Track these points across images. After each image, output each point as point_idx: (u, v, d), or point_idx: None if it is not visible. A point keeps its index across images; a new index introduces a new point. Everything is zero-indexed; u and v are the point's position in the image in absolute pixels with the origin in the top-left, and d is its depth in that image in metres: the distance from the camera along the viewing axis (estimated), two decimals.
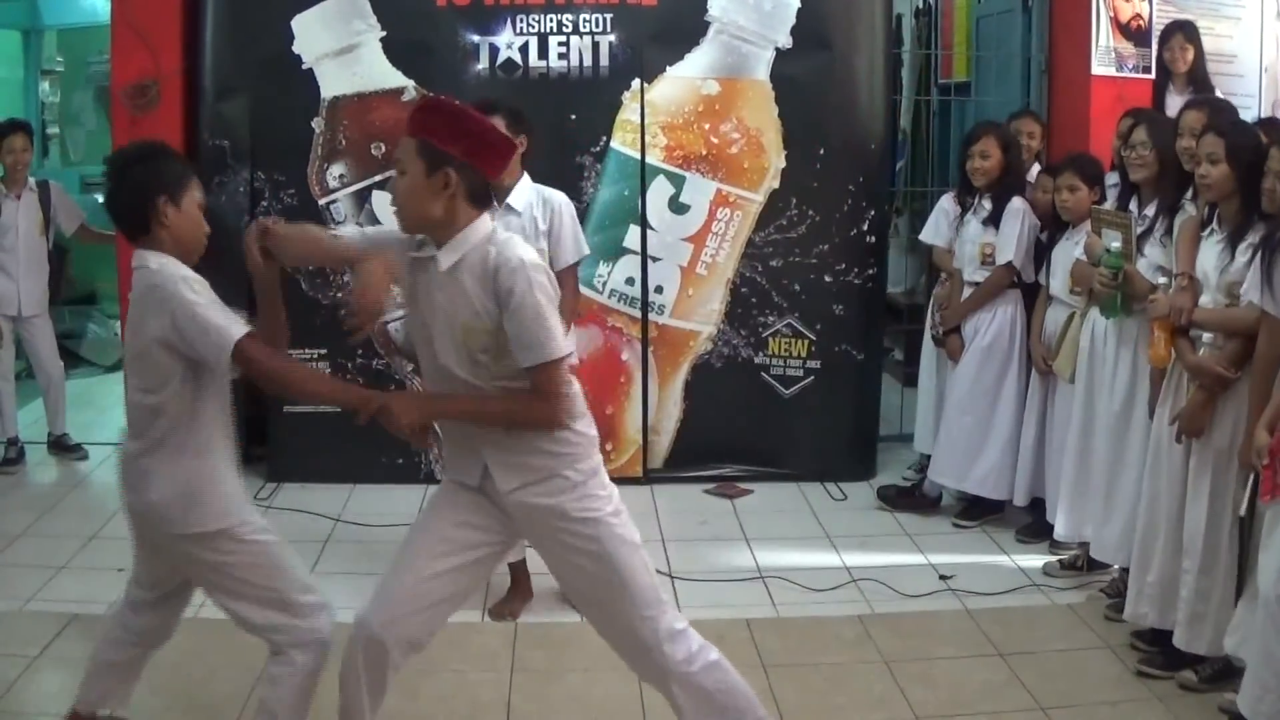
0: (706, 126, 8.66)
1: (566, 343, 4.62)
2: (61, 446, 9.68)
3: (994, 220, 7.79)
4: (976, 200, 7.94)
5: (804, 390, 8.91)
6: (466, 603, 5.06)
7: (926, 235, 8.49)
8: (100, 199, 9.74)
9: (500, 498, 4.76)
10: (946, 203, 8.37)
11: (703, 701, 4.83)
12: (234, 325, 4.67)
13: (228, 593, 4.99)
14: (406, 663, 4.91)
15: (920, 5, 11.93)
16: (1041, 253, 7.69)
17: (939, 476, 8.15)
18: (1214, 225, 5.89)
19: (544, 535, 4.82)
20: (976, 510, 8.09)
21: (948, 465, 8.05)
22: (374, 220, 8.52)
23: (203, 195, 4.92)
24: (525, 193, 6.69)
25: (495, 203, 5.44)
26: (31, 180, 9.38)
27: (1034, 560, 7.45)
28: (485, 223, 4.64)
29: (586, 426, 4.82)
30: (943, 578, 7.27)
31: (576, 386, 4.78)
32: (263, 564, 4.94)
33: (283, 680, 5.01)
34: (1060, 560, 7.33)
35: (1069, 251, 7.23)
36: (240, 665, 6.16)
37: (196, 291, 4.71)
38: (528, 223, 6.59)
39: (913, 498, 8.38)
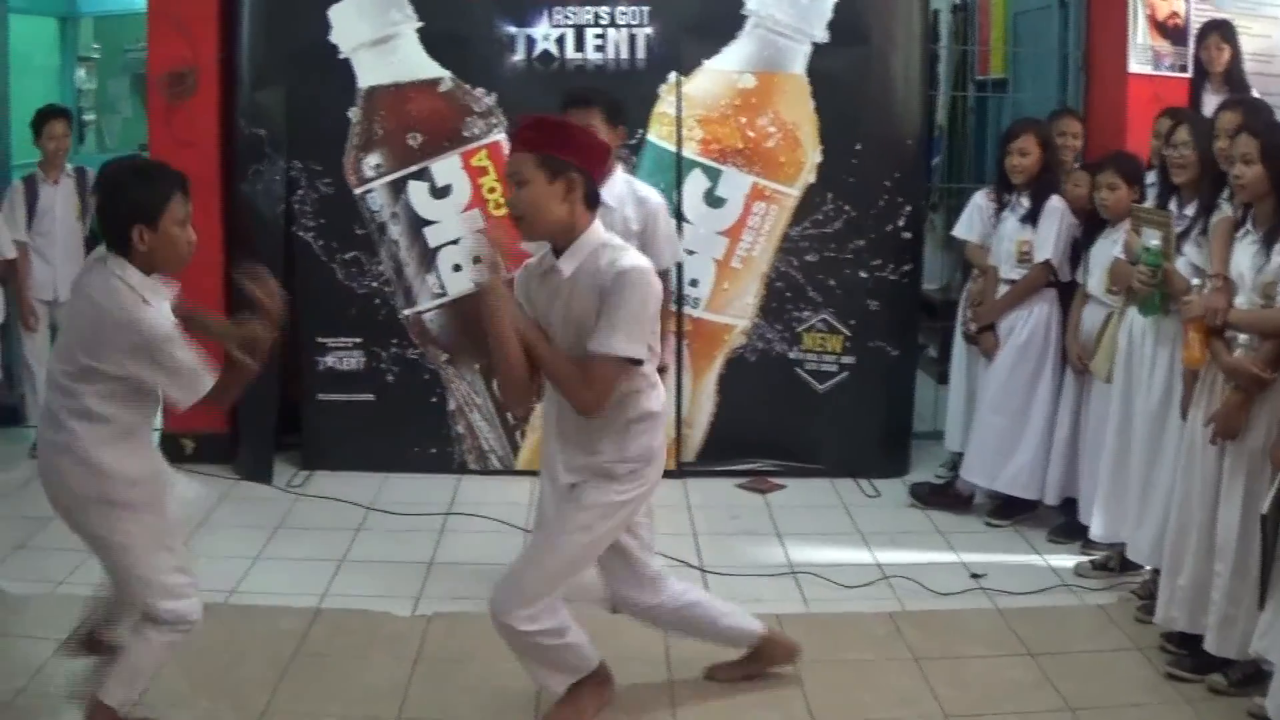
0: (743, 120, 8.65)
1: (640, 350, 4.89)
2: None
3: (1032, 218, 7.76)
4: (1014, 197, 7.91)
5: (838, 386, 8.89)
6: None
7: (960, 231, 8.47)
8: None
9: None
10: (981, 199, 8.35)
11: (521, 649, 5.42)
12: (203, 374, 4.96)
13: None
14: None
15: (957, 1, 11.90)
16: (1078, 251, 7.67)
17: (971, 475, 8.13)
18: (1248, 226, 5.87)
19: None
20: (1009, 509, 8.06)
21: (979, 464, 8.03)
22: (409, 210, 8.54)
23: (186, 209, 5.01)
24: (618, 186, 6.62)
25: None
26: (69, 166, 9.44)
27: (1066, 560, 7.42)
28: (599, 227, 5.06)
29: (658, 451, 5.25)
30: (974, 576, 7.25)
31: (662, 404, 5.23)
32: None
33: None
34: (1092, 561, 7.30)
35: (1107, 250, 7.20)
36: (268, 650, 6.21)
37: (163, 316, 4.92)
38: (618, 220, 6.46)
39: (945, 495, 8.36)
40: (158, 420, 6.05)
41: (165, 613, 5.06)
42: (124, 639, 5.26)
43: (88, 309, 4.88)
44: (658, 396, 5.25)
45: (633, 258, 4.98)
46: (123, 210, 4.91)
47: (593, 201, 5.03)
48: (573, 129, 5.15)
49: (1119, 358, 6.95)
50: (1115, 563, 7.15)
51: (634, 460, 5.16)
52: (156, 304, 4.91)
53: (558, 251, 5.03)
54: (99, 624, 5.62)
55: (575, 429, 5.15)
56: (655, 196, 6.76)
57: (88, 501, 5.01)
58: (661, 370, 5.58)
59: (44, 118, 9.32)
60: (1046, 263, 7.69)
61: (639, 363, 4.98)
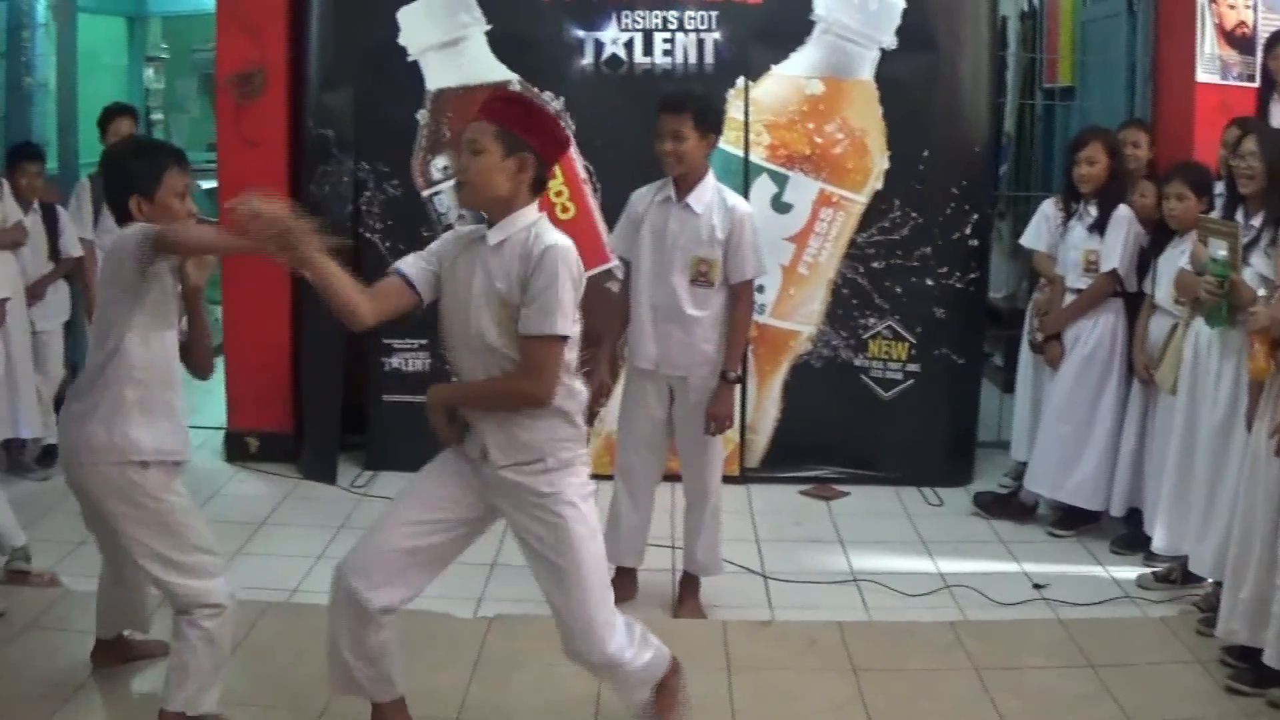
0: (810, 126, 8.63)
1: (571, 327, 4.90)
2: None
3: (1099, 227, 7.71)
4: (1082, 206, 7.87)
5: (903, 393, 8.88)
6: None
7: (1028, 240, 8.43)
8: (203, 185, 9.82)
9: (488, 473, 5.09)
10: (1049, 208, 8.31)
11: (624, 680, 5.31)
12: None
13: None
14: (385, 622, 5.16)
15: (1025, 8, 11.85)
16: (1145, 261, 7.62)
17: (1035, 485, 8.08)
18: None
19: (515, 506, 5.11)
20: (1072, 519, 8.02)
21: (1044, 474, 7.98)
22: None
23: (185, 179, 5.33)
24: (707, 193, 6.60)
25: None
26: None
27: (1128, 572, 7.38)
28: (534, 210, 5.04)
29: (581, 421, 5.15)
30: (1036, 586, 7.23)
31: (582, 387, 5.12)
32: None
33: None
34: (1154, 573, 7.26)
35: (1175, 260, 7.14)
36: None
37: None
38: (704, 227, 6.53)
39: (1008, 506, 8.32)
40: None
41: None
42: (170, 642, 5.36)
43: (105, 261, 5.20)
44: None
45: (559, 236, 4.96)
46: (122, 183, 5.21)
47: (538, 187, 5.05)
48: (542, 114, 5.23)
49: (1184, 369, 6.90)
50: (1177, 575, 7.11)
51: (566, 438, 5.12)
52: None
53: (490, 225, 5.05)
54: (119, 628, 5.92)
55: (500, 421, 5.08)
56: (744, 206, 6.69)
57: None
58: (740, 380, 6.01)
59: (110, 115, 9.39)
60: (1113, 272, 7.65)
61: (569, 338, 4.95)
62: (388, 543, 5.10)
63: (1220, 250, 6.37)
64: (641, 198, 6.76)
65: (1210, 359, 6.64)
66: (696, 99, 6.63)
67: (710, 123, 6.58)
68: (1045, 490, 8.01)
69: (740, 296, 6.64)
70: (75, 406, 5.19)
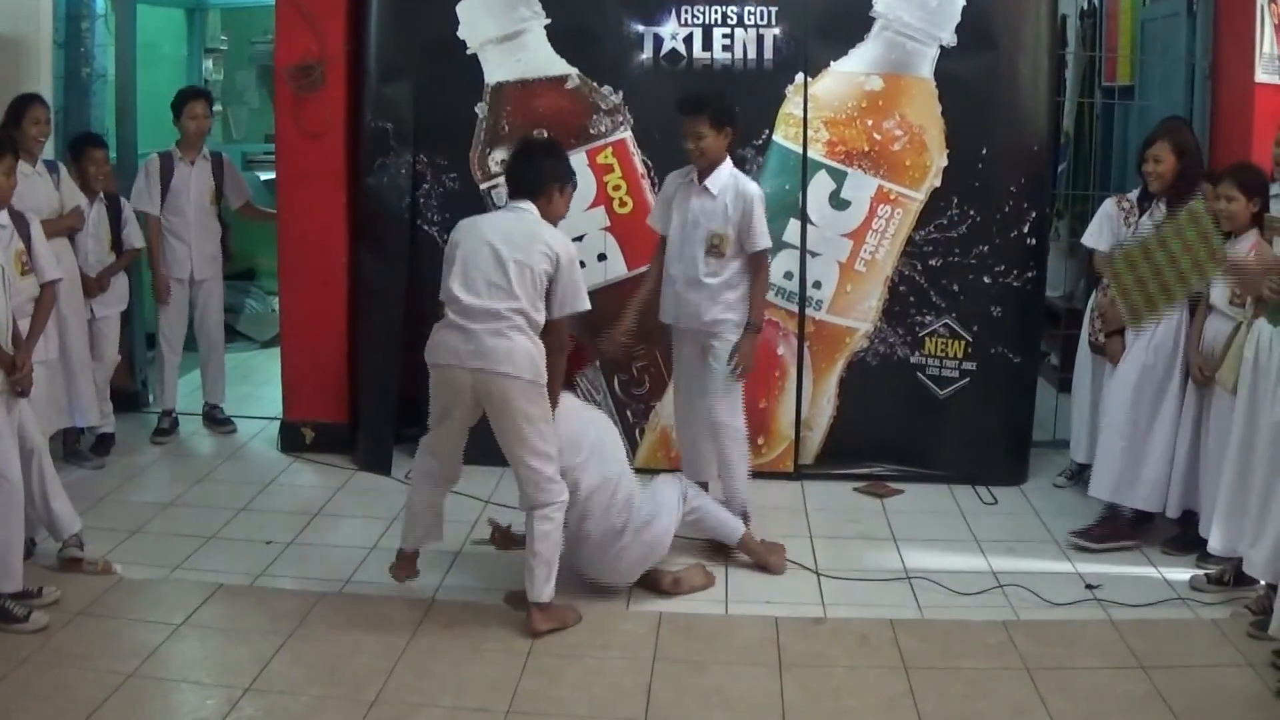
0: (869, 123, 8.61)
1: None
2: (213, 419, 9.83)
3: None
4: (1153, 204, 7.79)
5: (959, 392, 8.83)
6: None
7: (1089, 239, 8.36)
8: (261, 177, 9.86)
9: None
10: (1110, 207, 8.22)
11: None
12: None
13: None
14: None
15: (1085, 6, 11.79)
16: None
17: (1098, 491, 7.98)
18: None
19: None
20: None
21: (1107, 478, 7.89)
22: None
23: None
24: (723, 177, 7.55)
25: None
26: (206, 149, 9.59)
27: (1181, 573, 7.31)
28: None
29: None
30: (1089, 587, 7.16)
31: None
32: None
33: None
34: (1207, 574, 7.20)
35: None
36: (381, 640, 6.28)
37: None
38: (719, 206, 7.50)
39: (1110, 527, 8.14)
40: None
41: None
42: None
43: None
44: None
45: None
46: None
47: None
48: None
49: (1244, 369, 6.83)
50: (1230, 576, 7.05)
51: None
52: None
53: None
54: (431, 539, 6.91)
55: None
56: (754, 188, 7.58)
57: None
58: (760, 329, 7.51)
59: (185, 98, 9.49)
60: None
61: None
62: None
63: None
64: (672, 180, 7.80)
65: (1272, 359, 6.56)
66: (711, 100, 7.52)
67: (725, 119, 7.49)
68: (1107, 495, 7.91)
69: (758, 264, 7.64)
70: (496, 325, 6.25)
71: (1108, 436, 7.84)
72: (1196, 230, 6.50)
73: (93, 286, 8.85)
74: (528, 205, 6.51)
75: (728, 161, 7.55)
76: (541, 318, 6.32)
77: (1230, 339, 7.08)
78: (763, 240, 7.52)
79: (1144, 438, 7.65)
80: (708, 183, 7.48)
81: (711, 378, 7.62)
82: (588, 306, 6.48)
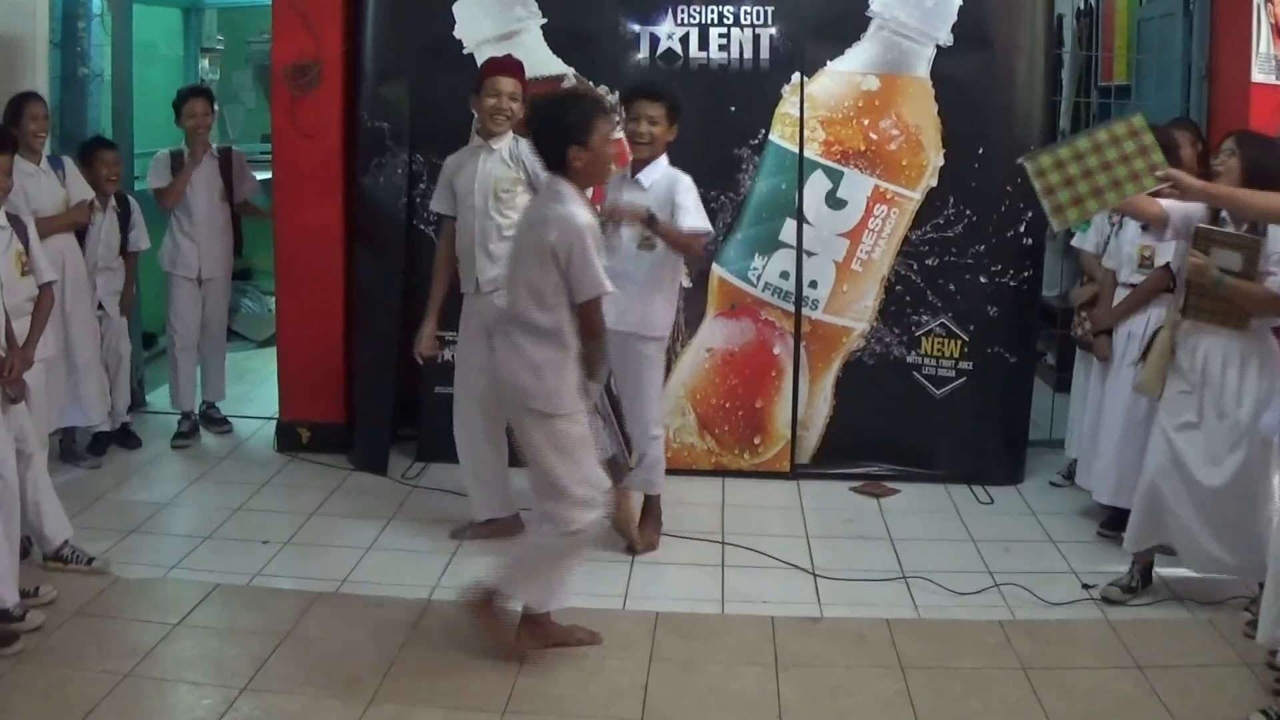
0: (865, 122, 8.61)
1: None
2: (209, 419, 9.83)
3: None
4: None
5: (955, 391, 8.83)
6: None
7: (1077, 240, 8.41)
8: (258, 176, 9.87)
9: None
10: None
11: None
12: None
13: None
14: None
15: (1081, 6, 11.80)
16: None
17: (1097, 494, 7.99)
18: None
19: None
20: (1121, 519, 7.95)
21: (1103, 479, 7.89)
22: None
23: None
24: (659, 172, 7.34)
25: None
26: (214, 147, 9.59)
27: (1177, 572, 7.29)
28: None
29: None
30: (1085, 586, 7.16)
31: None
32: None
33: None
34: (1119, 586, 7.17)
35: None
36: (378, 640, 6.29)
37: None
38: (651, 199, 7.21)
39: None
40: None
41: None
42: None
43: None
44: None
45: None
46: None
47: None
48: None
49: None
50: (1137, 581, 7.04)
51: None
52: None
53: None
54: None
55: None
56: (686, 177, 7.30)
57: None
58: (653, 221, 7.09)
59: (184, 96, 9.50)
60: (1166, 267, 7.57)
61: None
62: None
63: (1233, 263, 6.35)
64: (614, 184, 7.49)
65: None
66: (669, 91, 7.42)
67: (677, 114, 7.36)
68: (1105, 497, 7.90)
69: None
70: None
71: (1107, 440, 7.85)
72: (1136, 144, 6.44)
73: (127, 307, 9.19)
74: (558, 182, 6.02)
75: (664, 157, 7.35)
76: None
77: (1150, 341, 7.02)
78: (689, 219, 7.15)
79: (1142, 438, 7.64)
80: (640, 176, 7.33)
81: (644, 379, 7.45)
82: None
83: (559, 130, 5.92)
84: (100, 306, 8.94)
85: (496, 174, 7.39)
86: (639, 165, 7.35)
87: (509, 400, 6.12)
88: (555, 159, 5.95)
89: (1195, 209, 6.52)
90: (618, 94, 8.49)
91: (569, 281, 5.82)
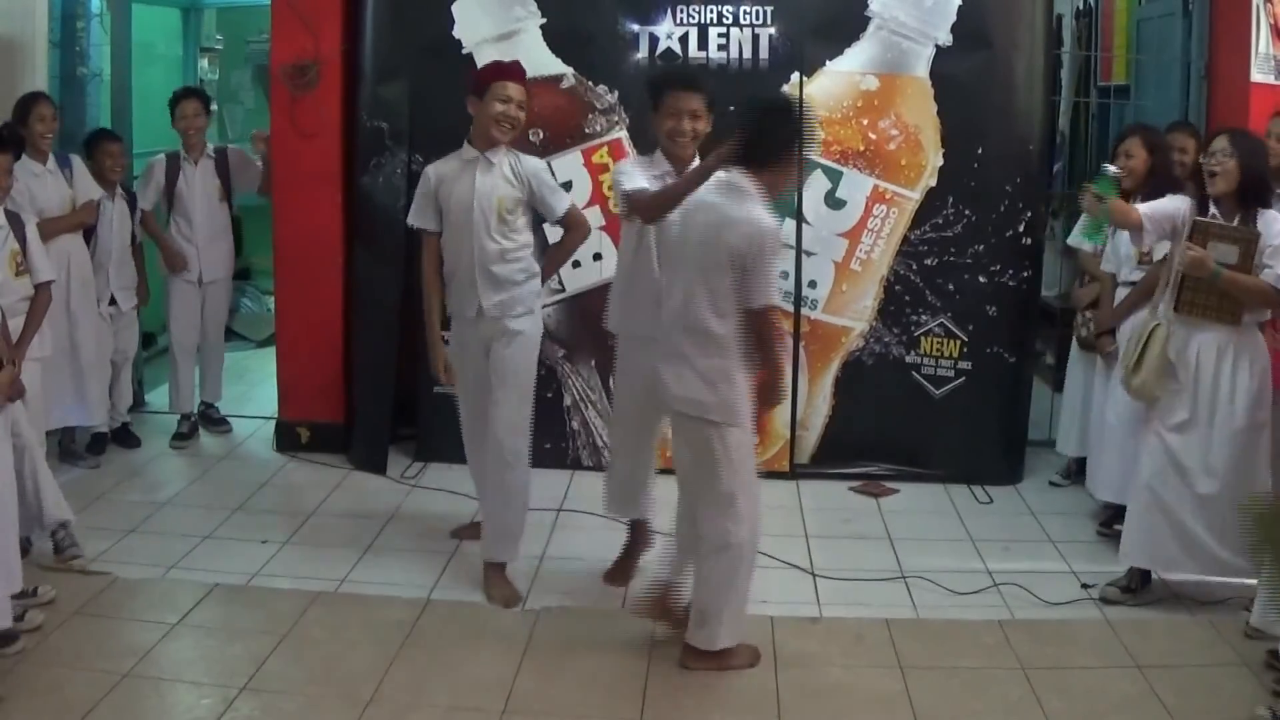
0: (865, 122, 8.62)
1: None
2: (208, 419, 9.82)
3: None
4: (1133, 200, 7.80)
5: (954, 391, 8.84)
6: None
7: (1074, 239, 8.41)
8: None
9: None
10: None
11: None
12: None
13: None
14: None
15: (1081, 6, 11.79)
16: None
17: (1100, 492, 7.97)
18: None
19: None
20: (1122, 514, 7.94)
21: (1107, 479, 7.88)
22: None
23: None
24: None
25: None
26: (210, 147, 9.58)
27: (1180, 574, 7.27)
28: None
29: None
30: (1085, 586, 7.18)
31: None
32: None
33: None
34: (1118, 586, 7.17)
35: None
36: (377, 640, 6.29)
37: None
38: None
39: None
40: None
41: None
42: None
43: None
44: None
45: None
46: None
47: None
48: None
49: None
50: (1136, 583, 7.05)
51: None
52: None
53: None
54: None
55: None
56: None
57: None
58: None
59: (177, 98, 9.49)
60: (1164, 261, 7.59)
61: None
62: None
63: (1230, 256, 6.37)
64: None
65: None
66: (708, 81, 6.89)
67: (714, 107, 6.69)
68: (1110, 496, 7.89)
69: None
70: None
71: (1109, 439, 7.83)
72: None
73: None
74: (743, 179, 5.75)
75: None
76: None
77: (1146, 339, 6.98)
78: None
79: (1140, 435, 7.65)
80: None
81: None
82: None
83: (789, 135, 5.81)
84: (112, 301, 8.97)
85: (500, 193, 6.86)
86: (680, 166, 6.61)
87: (678, 416, 6.02)
88: (761, 159, 5.73)
89: (1176, 207, 6.57)
90: (616, 94, 8.50)
91: (745, 285, 5.64)
